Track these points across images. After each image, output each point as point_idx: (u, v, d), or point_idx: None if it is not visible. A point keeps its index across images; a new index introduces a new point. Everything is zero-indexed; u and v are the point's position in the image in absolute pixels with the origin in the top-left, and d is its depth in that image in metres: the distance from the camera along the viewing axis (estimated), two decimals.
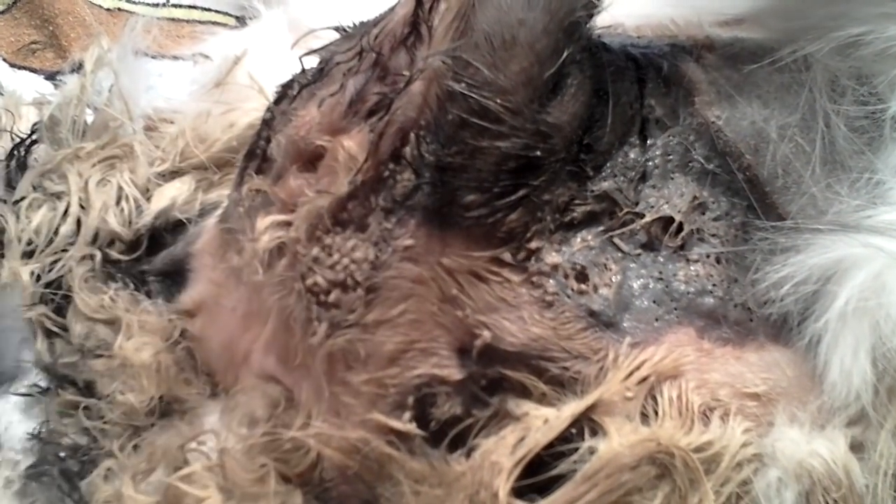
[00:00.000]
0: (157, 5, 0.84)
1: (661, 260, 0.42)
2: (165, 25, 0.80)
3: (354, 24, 0.48)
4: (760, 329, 0.42)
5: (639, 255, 0.42)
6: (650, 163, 0.43)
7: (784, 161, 0.43)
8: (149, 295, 0.52)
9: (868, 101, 0.43)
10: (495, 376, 0.41)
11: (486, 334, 0.41)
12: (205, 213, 0.55)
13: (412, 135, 0.41)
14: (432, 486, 0.41)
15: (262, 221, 0.44)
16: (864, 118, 0.43)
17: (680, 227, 0.42)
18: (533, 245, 0.41)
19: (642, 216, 0.42)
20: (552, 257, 0.41)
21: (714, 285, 0.42)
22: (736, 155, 0.43)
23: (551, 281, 0.41)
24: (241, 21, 0.82)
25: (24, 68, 0.79)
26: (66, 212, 0.55)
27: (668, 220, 0.42)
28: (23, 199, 0.56)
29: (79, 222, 0.54)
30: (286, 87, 0.48)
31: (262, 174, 0.47)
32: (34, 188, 0.56)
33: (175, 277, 0.52)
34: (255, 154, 0.48)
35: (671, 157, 0.43)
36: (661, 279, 0.42)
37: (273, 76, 0.51)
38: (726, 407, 0.40)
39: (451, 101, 0.40)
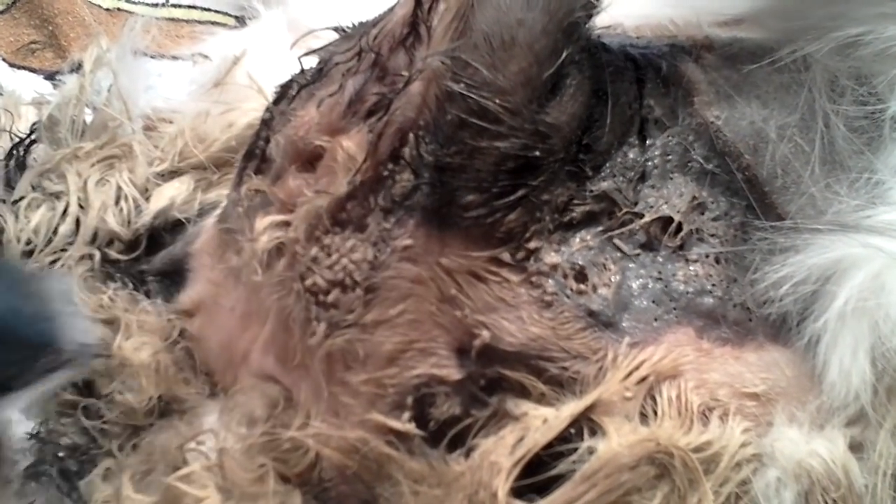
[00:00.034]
0: (156, 5, 0.84)
1: (661, 260, 0.42)
2: (165, 25, 0.80)
3: (353, 25, 0.48)
4: (759, 329, 0.42)
5: (638, 255, 0.42)
6: (649, 163, 0.43)
7: (783, 161, 0.43)
8: (147, 295, 0.52)
9: (867, 101, 0.43)
10: (494, 376, 0.41)
11: (485, 334, 0.41)
12: (204, 212, 0.55)
13: (411, 135, 0.41)
14: (431, 486, 0.41)
15: (261, 221, 0.44)
16: (863, 118, 0.43)
17: (679, 227, 0.42)
18: (532, 245, 0.41)
19: (641, 216, 0.42)
20: (551, 257, 0.41)
21: (713, 285, 0.42)
22: (735, 155, 0.43)
23: (550, 281, 0.41)
24: (241, 21, 0.82)
25: (24, 68, 0.79)
26: (65, 211, 0.55)
27: (667, 220, 0.42)
28: (22, 198, 0.56)
29: (78, 222, 0.54)
30: (285, 87, 0.48)
31: (260, 174, 0.47)
32: (33, 188, 0.56)
33: (174, 277, 0.52)
34: (254, 154, 0.48)
35: (670, 157, 0.43)
36: (660, 279, 0.42)
37: (272, 76, 0.51)
38: (725, 407, 0.40)
39: (449, 102, 0.40)
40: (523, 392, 0.41)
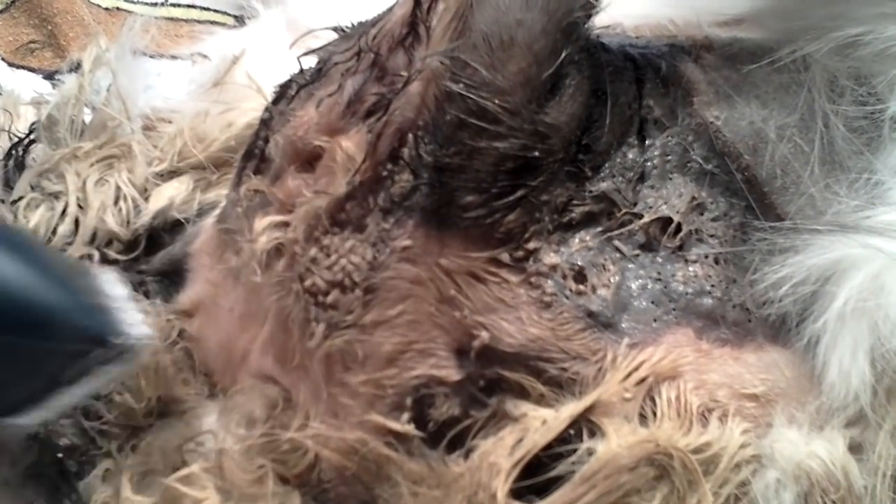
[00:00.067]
0: (155, 4, 0.84)
1: (660, 260, 0.42)
2: (164, 25, 0.80)
3: (353, 25, 0.48)
4: (759, 330, 0.42)
5: (637, 255, 0.42)
6: (648, 163, 0.43)
7: (783, 161, 0.43)
8: (146, 295, 0.52)
9: (867, 101, 0.43)
10: (493, 377, 0.41)
11: (485, 335, 0.41)
12: (203, 212, 0.55)
13: (410, 135, 0.41)
14: (430, 487, 0.41)
15: (260, 222, 0.44)
16: (862, 118, 0.43)
17: (678, 228, 0.42)
18: (531, 246, 0.41)
19: (641, 217, 0.42)
20: (550, 258, 0.41)
21: (712, 286, 0.42)
22: (734, 155, 0.43)
23: (549, 281, 0.41)
24: (240, 20, 0.82)
25: (23, 67, 0.79)
26: (63, 211, 0.55)
27: (666, 221, 0.42)
28: (21, 198, 0.55)
29: (77, 222, 0.54)
30: (284, 87, 0.48)
31: (260, 174, 0.47)
32: (32, 188, 0.56)
33: (173, 277, 0.52)
34: (254, 154, 0.48)
35: (669, 157, 0.43)
36: (659, 280, 0.42)
37: (271, 76, 0.51)
38: (725, 408, 0.40)
39: (449, 102, 0.39)
40: (522, 393, 0.41)
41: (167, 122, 0.59)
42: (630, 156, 0.43)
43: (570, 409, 0.40)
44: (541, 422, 0.40)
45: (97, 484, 0.47)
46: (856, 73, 0.43)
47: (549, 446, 0.40)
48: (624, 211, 0.42)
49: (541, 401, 0.41)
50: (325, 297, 0.42)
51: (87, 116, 0.60)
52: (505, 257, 0.41)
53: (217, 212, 0.51)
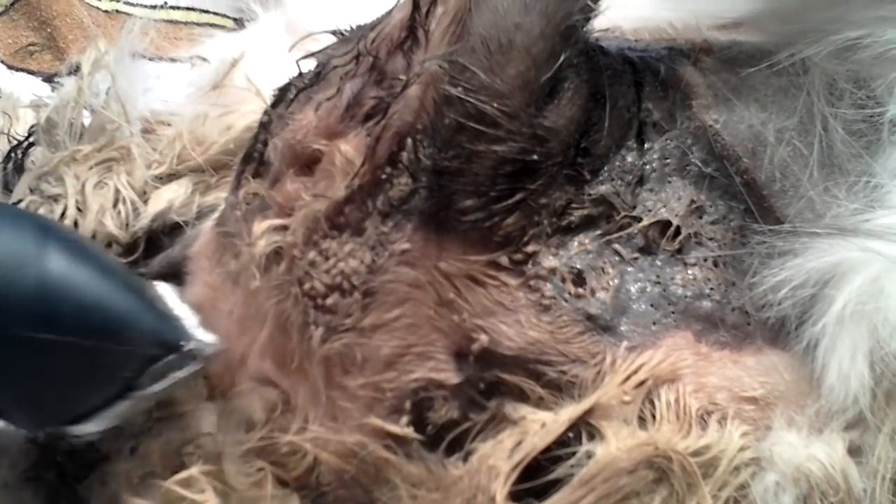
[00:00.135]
0: (154, 7, 0.84)
1: (659, 264, 0.42)
2: (163, 27, 0.80)
3: (351, 28, 0.48)
4: (758, 333, 0.42)
5: (636, 258, 0.42)
6: (647, 166, 0.43)
7: (782, 165, 0.43)
8: None
9: (866, 104, 0.43)
10: (492, 380, 0.41)
11: (484, 338, 0.41)
12: (202, 215, 0.54)
13: (409, 139, 0.41)
14: (429, 490, 0.41)
15: (259, 225, 0.44)
16: (861, 122, 0.43)
17: (677, 231, 0.42)
18: (530, 249, 0.41)
19: (640, 220, 0.42)
20: (549, 261, 0.41)
21: (711, 289, 0.42)
22: (733, 158, 0.43)
23: (548, 285, 0.41)
24: (239, 23, 0.82)
25: (22, 70, 0.79)
26: (63, 214, 0.55)
27: (665, 224, 0.42)
28: (20, 201, 0.55)
29: (76, 225, 0.54)
30: (283, 90, 0.48)
31: (258, 178, 0.46)
32: (31, 191, 0.56)
33: (171, 280, 0.51)
34: (252, 157, 0.48)
35: (668, 160, 0.43)
36: (658, 283, 0.42)
37: (270, 79, 0.51)
38: (724, 411, 0.40)
39: (447, 105, 0.39)
40: (521, 396, 0.41)
41: (166, 125, 0.59)
42: (629, 159, 0.43)
43: (569, 412, 0.40)
44: (540, 425, 0.40)
45: (96, 487, 0.47)
46: (855, 77, 0.43)
47: (547, 449, 0.40)
48: (623, 214, 0.42)
49: (540, 404, 0.41)
50: (324, 300, 0.42)
51: (87, 119, 0.60)
52: (504, 260, 0.41)
53: (216, 215, 0.51)
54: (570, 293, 0.41)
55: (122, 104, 0.59)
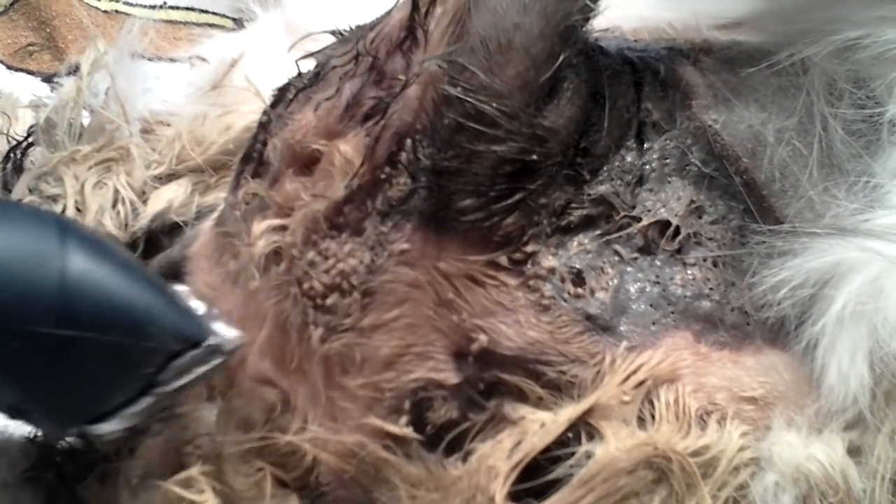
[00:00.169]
0: (153, 7, 0.84)
1: (658, 264, 0.42)
2: (162, 28, 0.80)
3: (351, 28, 0.48)
4: (757, 333, 0.42)
5: (636, 258, 0.42)
6: (647, 166, 0.43)
7: (781, 165, 0.43)
8: None
9: (865, 104, 0.43)
10: (492, 380, 0.41)
11: (483, 338, 0.41)
12: (201, 216, 0.54)
13: (408, 139, 0.41)
14: (429, 490, 0.41)
15: (259, 226, 0.44)
16: (861, 122, 0.43)
17: (677, 231, 0.42)
18: (529, 249, 0.41)
19: (639, 220, 0.42)
20: (549, 261, 0.41)
21: (711, 289, 0.42)
22: (733, 158, 0.43)
23: (548, 285, 0.41)
24: (238, 23, 0.82)
25: (21, 70, 0.79)
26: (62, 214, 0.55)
27: (664, 224, 0.42)
28: (19, 201, 0.55)
29: None
30: (282, 90, 0.48)
31: (258, 178, 0.46)
32: (30, 191, 0.56)
33: (171, 280, 0.51)
34: (252, 157, 0.48)
35: (668, 160, 0.43)
36: (657, 283, 0.42)
37: (270, 79, 0.51)
38: (723, 411, 0.40)
39: (447, 106, 0.39)
40: (521, 396, 0.41)
41: (165, 125, 0.59)
42: (628, 159, 0.43)
43: (568, 412, 0.40)
44: (539, 425, 0.40)
45: (95, 487, 0.47)
46: (854, 77, 0.43)
47: (547, 449, 0.40)
48: (622, 214, 0.42)
49: (539, 404, 0.41)
50: (324, 300, 0.42)
51: (86, 119, 0.60)
52: (503, 260, 0.41)
53: (215, 215, 0.51)
54: (569, 293, 0.41)
55: (121, 104, 0.59)
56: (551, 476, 0.40)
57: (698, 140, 0.43)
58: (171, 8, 0.84)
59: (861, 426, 0.40)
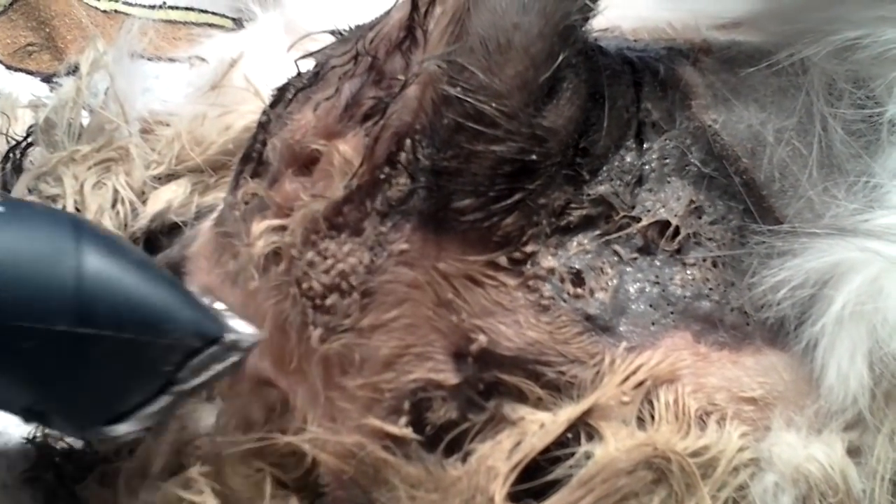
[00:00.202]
0: (153, 7, 0.83)
1: (658, 264, 0.42)
2: (162, 27, 0.80)
3: (350, 28, 0.48)
4: (757, 333, 0.42)
5: (635, 259, 0.42)
6: (646, 166, 0.43)
7: (781, 165, 0.43)
8: None
9: (865, 104, 0.43)
10: (491, 381, 0.41)
11: (482, 338, 0.41)
12: (200, 216, 0.54)
13: (408, 139, 0.41)
14: (428, 490, 0.41)
15: (258, 226, 0.44)
16: (861, 122, 0.43)
17: (676, 231, 0.42)
18: (529, 249, 0.41)
19: (639, 220, 0.42)
20: (548, 261, 0.41)
21: (710, 289, 0.42)
22: (732, 158, 0.43)
23: (547, 285, 0.41)
24: (238, 23, 0.82)
25: (21, 70, 0.79)
26: None
27: (664, 224, 0.42)
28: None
29: None
30: (282, 90, 0.48)
31: (257, 178, 0.46)
32: (30, 191, 0.56)
33: None
34: (251, 157, 0.47)
35: (667, 160, 0.43)
36: (657, 283, 0.42)
37: (269, 79, 0.51)
38: (723, 411, 0.40)
39: (446, 106, 0.39)
40: (520, 396, 0.41)
41: (165, 125, 0.59)
42: (628, 159, 0.43)
43: (567, 412, 0.40)
44: (538, 425, 0.40)
45: (95, 487, 0.47)
46: (854, 77, 0.43)
47: (546, 450, 0.40)
48: (622, 214, 0.42)
49: (538, 404, 0.40)
50: (323, 300, 0.42)
51: (85, 119, 0.60)
52: (502, 261, 0.41)
53: (214, 215, 0.51)
54: (568, 293, 0.41)
55: (120, 104, 0.59)
56: (551, 477, 0.40)
57: (698, 140, 0.43)
58: (171, 8, 0.84)
59: (861, 426, 0.40)
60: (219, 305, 0.41)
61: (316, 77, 0.46)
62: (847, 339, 0.40)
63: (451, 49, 0.40)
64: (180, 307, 0.39)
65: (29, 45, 0.80)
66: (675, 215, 0.42)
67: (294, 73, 0.48)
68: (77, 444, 0.49)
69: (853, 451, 0.40)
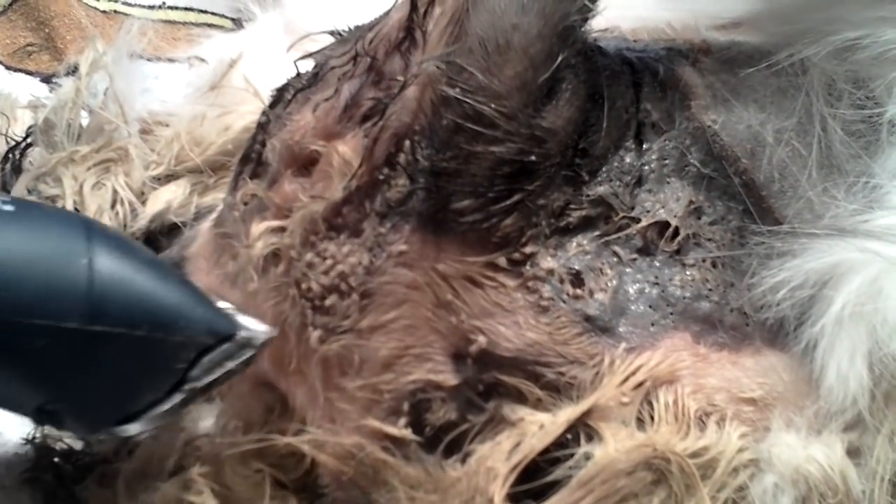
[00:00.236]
0: (152, 7, 0.84)
1: (657, 265, 0.42)
2: (161, 28, 0.80)
3: (349, 28, 0.48)
4: (757, 334, 0.42)
5: (634, 259, 0.42)
6: (646, 167, 0.43)
7: (780, 165, 0.43)
8: None
9: (865, 104, 0.43)
10: (491, 381, 0.41)
11: (482, 339, 0.41)
12: (200, 216, 0.55)
13: (407, 140, 0.41)
14: (427, 492, 0.41)
15: (257, 227, 0.44)
16: (860, 122, 0.43)
17: (676, 232, 0.42)
18: (528, 250, 0.41)
19: (638, 221, 0.42)
20: (547, 262, 0.41)
21: (710, 290, 0.42)
22: (732, 159, 0.43)
23: (546, 286, 0.41)
24: (237, 23, 0.82)
25: (20, 71, 0.79)
26: None
27: (664, 225, 0.42)
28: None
29: None
30: (281, 90, 0.48)
31: (256, 178, 0.46)
32: (29, 191, 0.56)
33: None
34: (250, 158, 0.47)
35: (667, 161, 0.43)
36: (656, 284, 0.42)
37: (268, 79, 0.51)
38: (722, 412, 0.40)
39: (445, 106, 0.39)
40: (520, 397, 0.41)
41: (164, 126, 0.59)
42: (627, 160, 0.43)
43: (567, 413, 0.40)
44: (538, 426, 0.40)
45: (94, 488, 0.47)
46: (854, 77, 0.43)
47: (546, 451, 0.40)
48: (621, 215, 0.42)
49: (538, 405, 0.40)
50: (322, 301, 0.42)
51: (84, 120, 0.60)
52: (502, 262, 0.41)
53: (214, 216, 0.51)
54: (568, 294, 0.41)
55: (120, 105, 0.59)
56: (550, 477, 0.40)
57: (697, 140, 0.43)
58: (170, 8, 0.84)
59: (860, 427, 0.40)
60: (224, 304, 0.41)
61: (315, 78, 0.46)
62: (847, 339, 0.40)
63: (450, 50, 0.40)
64: (192, 305, 0.39)
65: (28, 45, 0.80)
66: (675, 216, 0.42)
67: (293, 74, 0.48)
68: (76, 444, 0.49)
69: (853, 452, 0.40)
